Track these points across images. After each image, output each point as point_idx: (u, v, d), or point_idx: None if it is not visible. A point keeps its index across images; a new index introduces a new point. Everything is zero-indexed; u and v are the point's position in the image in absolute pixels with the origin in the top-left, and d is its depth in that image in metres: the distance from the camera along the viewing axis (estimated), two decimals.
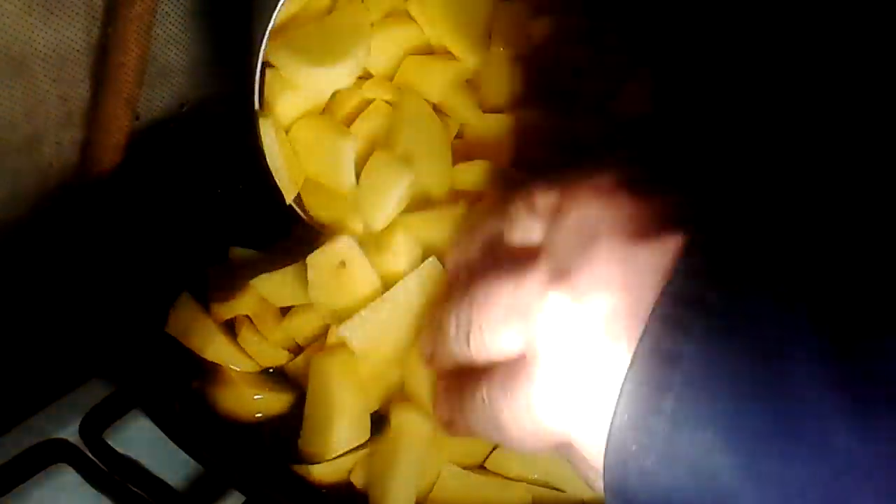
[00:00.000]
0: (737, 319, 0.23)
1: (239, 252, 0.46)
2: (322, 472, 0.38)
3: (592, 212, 0.28)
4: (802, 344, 0.22)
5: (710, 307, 0.24)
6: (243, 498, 0.38)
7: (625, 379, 0.25)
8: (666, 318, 0.24)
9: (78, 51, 0.45)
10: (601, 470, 0.26)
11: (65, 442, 0.39)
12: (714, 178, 0.29)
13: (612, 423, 0.25)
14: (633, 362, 0.24)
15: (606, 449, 0.25)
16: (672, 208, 0.27)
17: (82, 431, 0.39)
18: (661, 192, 0.28)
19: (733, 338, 0.23)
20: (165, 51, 0.50)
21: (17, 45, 0.42)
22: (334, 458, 0.39)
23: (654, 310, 0.24)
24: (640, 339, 0.24)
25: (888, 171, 0.28)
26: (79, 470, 0.38)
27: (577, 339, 0.27)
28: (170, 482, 0.38)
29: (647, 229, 0.26)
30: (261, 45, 0.38)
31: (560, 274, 0.28)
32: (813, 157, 0.32)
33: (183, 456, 0.38)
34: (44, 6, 0.42)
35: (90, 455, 0.38)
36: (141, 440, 0.40)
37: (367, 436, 0.39)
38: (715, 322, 0.23)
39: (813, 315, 0.23)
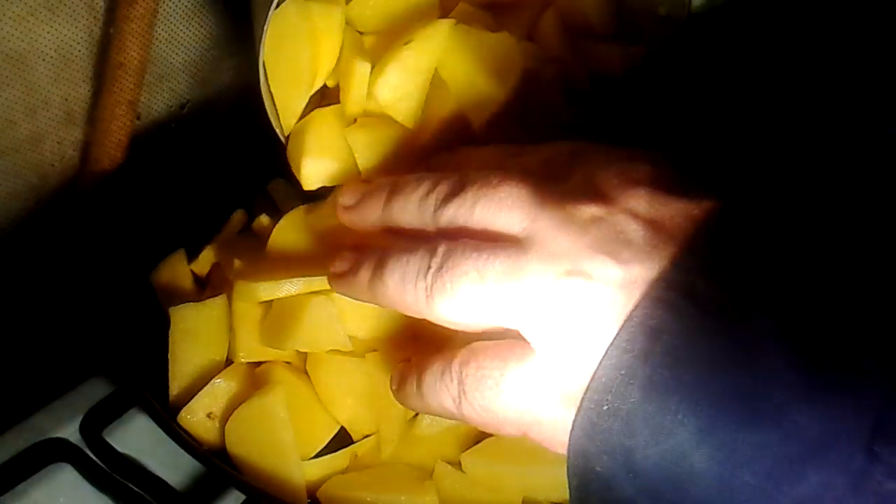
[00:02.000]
0: (720, 309, 0.25)
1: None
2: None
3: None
4: (774, 342, 0.24)
5: (698, 295, 0.25)
6: (243, 498, 0.38)
7: (609, 345, 0.26)
8: (657, 299, 0.25)
9: (79, 51, 0.45)
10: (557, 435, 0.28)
11: (65, 441, 0.39)
12: (729, 179, 0.30)
13: (588, 387, 0.26)
14: (619, 333, 0.26)
15: (578, 409, 0.26)
16: (686, 212, 0.28)
17: (82, 430, 0.39)
18: (680, 190, 0.28)
19: (714, 322, 0.25)
20: (167, 51, 0.50)
21: (18, 44, 0.42)
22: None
23: (646, 292, 0.26)
24: (630, 315, 0.26)
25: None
26: (79, 469, 0.38)
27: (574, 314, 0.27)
28: (170, 482, 0.38)
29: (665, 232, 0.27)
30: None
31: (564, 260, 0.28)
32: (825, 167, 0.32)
33: (183, 456, 0.38)
34: (45, 6, 0.42)
35: (90, 454, 0.38)
36: (141, 440, 0.39)
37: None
38: (700, 307, 0.25)
39: (784, 332, 0.25)
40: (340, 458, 0.39)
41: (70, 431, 0.39)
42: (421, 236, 0.32)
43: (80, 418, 0.39)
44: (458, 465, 0.39)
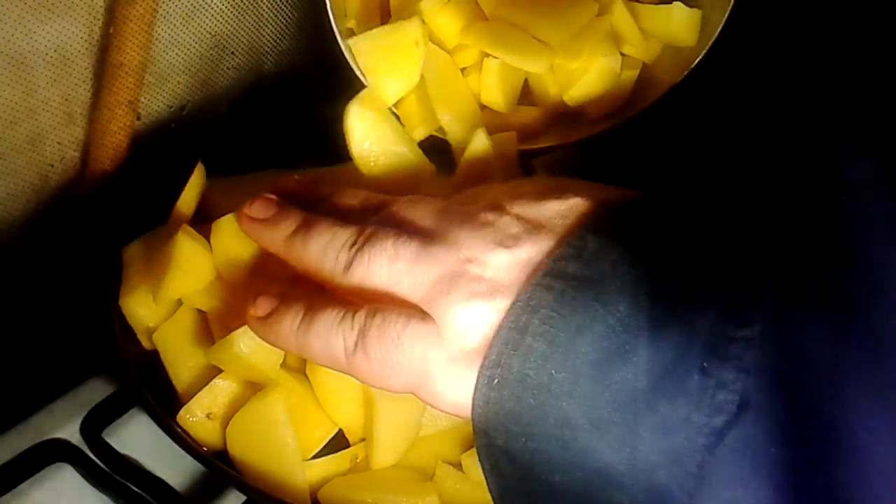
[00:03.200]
0: (585, 281, 0.29)
1: None
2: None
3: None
4: (622, 295, 0.28)
5: (568, 274, 0.29)
6: (243, 498, 0.38)
7: (499, 327, 0.30)
8: (536, 284, 0.30)
9: (79, 51, 0.45)
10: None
11: (65, 442, 0.39)
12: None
13: (481, 364, 0.30)
14: (506, 315, 0.30)
15: (475, 387, 0.30)
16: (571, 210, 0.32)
17: (83, 431, 0.39)
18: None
19: (580, 291, 0.29)
20: (167, 51, 0.50)
21: (18, 44, 0.42)
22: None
23: (529, 279, 0.30)
24: (516, 299, 0.30)
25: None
26: (79, 470, 0.38)
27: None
28: (170, 482, 0.38)
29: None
30: None
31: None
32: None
33: (183, 456, 0.38)
34: (45, 7, 0.42)
35: (90, 455, 0.38)
36: (141, 440, 0.40)
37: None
38: (569, 283, 0.29)
39: (632, 284, 0.29)
40: (341, 459, 0.39)
41: (70, 432, 0.39)
42: (350, 217, 0.36)
43: (80, 418, 0.39)
44: (458, 466, 0.39)
